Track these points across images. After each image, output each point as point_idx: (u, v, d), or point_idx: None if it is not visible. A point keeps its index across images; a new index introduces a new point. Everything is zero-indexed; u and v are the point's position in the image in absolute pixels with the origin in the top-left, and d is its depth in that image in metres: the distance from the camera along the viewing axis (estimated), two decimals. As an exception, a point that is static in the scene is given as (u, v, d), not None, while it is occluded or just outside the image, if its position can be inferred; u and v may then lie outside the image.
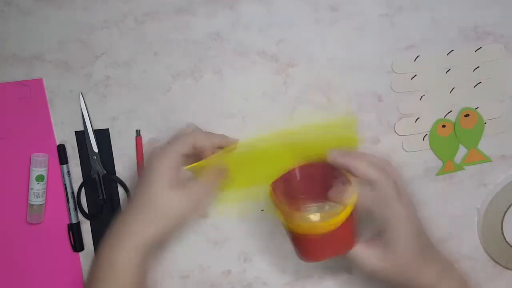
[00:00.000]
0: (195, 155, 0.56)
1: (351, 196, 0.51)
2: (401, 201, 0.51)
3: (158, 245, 0.53)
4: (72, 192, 0.63)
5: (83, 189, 0.63)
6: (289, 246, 0.64)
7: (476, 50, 0.61)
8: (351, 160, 0.52)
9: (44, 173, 0.62)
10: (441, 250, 0.56)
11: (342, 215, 0.50)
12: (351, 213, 0.51)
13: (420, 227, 0.54)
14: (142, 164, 0.62)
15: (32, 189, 0.61)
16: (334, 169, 0.54)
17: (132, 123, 0.61)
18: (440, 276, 0.53)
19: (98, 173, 0.62)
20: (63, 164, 0.62)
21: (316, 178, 0.56)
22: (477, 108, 0.62)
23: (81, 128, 0.61)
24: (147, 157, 0.57)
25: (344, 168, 0.53)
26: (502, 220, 0.63)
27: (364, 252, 0.53)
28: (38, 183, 0.61)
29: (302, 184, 0.57)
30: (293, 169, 0.57)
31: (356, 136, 0.60)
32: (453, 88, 0.61)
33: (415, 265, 0.52)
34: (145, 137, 0.62)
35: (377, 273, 0.53)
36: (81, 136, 0.62)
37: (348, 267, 0.65)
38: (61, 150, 0.62)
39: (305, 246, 0.54)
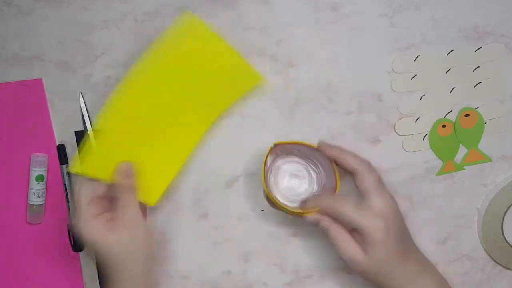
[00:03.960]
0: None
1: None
2: (381, 193, 0.54)
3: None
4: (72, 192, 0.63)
5: (83, 189, 0.63)
6: (289, 246, 0.64)
7: (476, 50, 0.60)
8: (339, 151, 0.56)
9: (44, 173, 0.62)
10: (421, 251, 0.58)
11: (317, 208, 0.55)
12: None
13: (401, 223, 0.55)
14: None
15: (32, 189, 0.61)
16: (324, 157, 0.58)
17: (132, 123, 0.61)
18: (418, 277, 0.55)
19: (98, 173, 0.62)
20: (63, 164, 0.62)
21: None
22: (477, 108, 0.62)
23: (81, 128, 0.61)
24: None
25: (333, 157, 0.56)
26: (502, 220, 0.63)
27: (344, 246, 0.54)
28: (38, 183, 0.61)
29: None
30: (294, 143, 0.58)
31: (255, 71, 0.57)
32: (453, 88, 0.61)
33: (394, 262, 0.53)
34: (145, 137, 0.62)
35: (356, 268, 0.54)
36: (81, 136, 0.62)
37: (348, 268, 0.65)
38: (61, 150, 0.62)
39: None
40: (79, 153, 0.53)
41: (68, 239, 0.63)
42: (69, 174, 0.62)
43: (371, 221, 0.52)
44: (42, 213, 0.63)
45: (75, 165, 0.53)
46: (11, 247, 0.64)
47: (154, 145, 0.57)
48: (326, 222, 0.54)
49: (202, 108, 0.57)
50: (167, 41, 0.54)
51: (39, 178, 0.61)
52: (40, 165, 0.61)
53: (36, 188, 0.61)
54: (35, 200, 0.62)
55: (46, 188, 0.62)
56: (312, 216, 0.55)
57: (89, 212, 0.53)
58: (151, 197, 0.57)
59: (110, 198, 0.56)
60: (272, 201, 0.57)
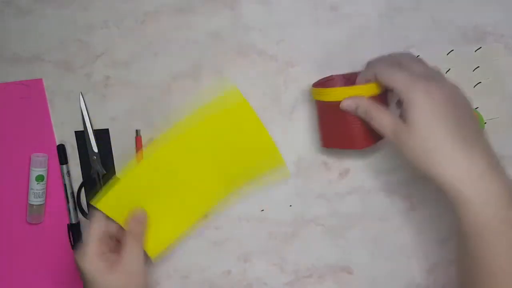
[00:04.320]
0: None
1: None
2: (426, 77, 0.48)
3: None
4: (72, 192, 0.63)
5: (83, 189, 0.63)
6: (289, 246, 0.64)
7: (476, 50, 0.61)
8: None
9: (44, 173, 0.62)
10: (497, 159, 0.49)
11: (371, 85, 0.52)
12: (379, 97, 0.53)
13: (455, 108, 0.48)
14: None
15: (32, 189, 0.61)
16: None
17: (132, 123, 0.61)
18: (476, 181, 0.46)
19: (98, 173, 0.62)
20: (63, 164, 0.62)
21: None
22: (477, 108, 0.62)
23: (81, 128, 0.61)
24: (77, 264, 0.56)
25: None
26: (502, 220, 0.63)
27: (382, 116, 0.50)
28: (38, 183, 0.61)
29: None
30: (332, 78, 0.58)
31: (281, 157, 0.60)
32: (453, 88, 0.61)
33: (442, 153, 0.47)
34: (145, 137, 0.62)
35: (397, 137, 0.49)
36: (81, 136, 0.62)
37: (348, 267, 0.65)
38: (61, 150, 0.62)
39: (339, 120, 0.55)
40: (104, 189, 0.56)
41: (68, 239, 0.63)
42: (69, 174, 0.62)
43: (411, 81, 0.47)
44: (42, 213, 0.63)
45: (98, 200, 0.55)
46: (11, 247, 0.64)
47: (169, 202, 0.59)
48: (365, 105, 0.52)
49: (223, 180, 0.60)
50: (209, 111, 0.57)
51: (39, 178, 0.61)
52: (40, 165, 0.61)
53: (36, 188, 0.61)
54: (35, 200, 0.62)
55: (46, 188, 0.62)
56: (352, 101, 0.52)
57: (96, 249, 0.54)
58: (153, 250, 0.59)
59: (118, 239, 0.57)
60: (325, 96, 0.55)
